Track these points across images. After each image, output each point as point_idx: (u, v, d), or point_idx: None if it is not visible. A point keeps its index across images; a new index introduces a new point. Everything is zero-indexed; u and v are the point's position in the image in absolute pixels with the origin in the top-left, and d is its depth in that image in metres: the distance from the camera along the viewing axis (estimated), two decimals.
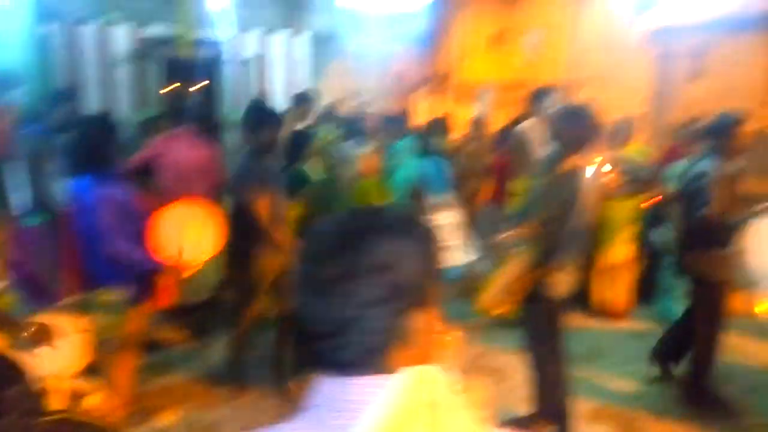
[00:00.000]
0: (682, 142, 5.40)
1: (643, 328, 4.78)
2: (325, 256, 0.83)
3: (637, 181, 4.87)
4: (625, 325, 4.95)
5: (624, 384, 3.99)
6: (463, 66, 11.52)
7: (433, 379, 0.78)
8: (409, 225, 0.87)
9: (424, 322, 0.84)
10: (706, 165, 3.43)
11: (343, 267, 0.81)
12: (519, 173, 4.59)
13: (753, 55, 11.05)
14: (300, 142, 4.52)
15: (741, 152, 3.42)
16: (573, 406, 3.23)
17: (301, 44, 7.95)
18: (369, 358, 0.81)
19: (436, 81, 11.43)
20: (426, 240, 0.87)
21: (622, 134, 5.08)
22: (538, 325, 3.17)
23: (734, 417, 3.49)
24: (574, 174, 2.95)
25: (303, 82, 7.65)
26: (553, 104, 4.33)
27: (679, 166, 4.76)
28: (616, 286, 4.98)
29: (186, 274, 3.10)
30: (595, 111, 3.06)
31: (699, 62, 11.22)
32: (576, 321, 4.96)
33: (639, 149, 5.22)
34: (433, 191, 4.46)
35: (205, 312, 4.36)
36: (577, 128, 2.97)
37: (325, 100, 6.82)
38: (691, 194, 3.51)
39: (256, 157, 3.57)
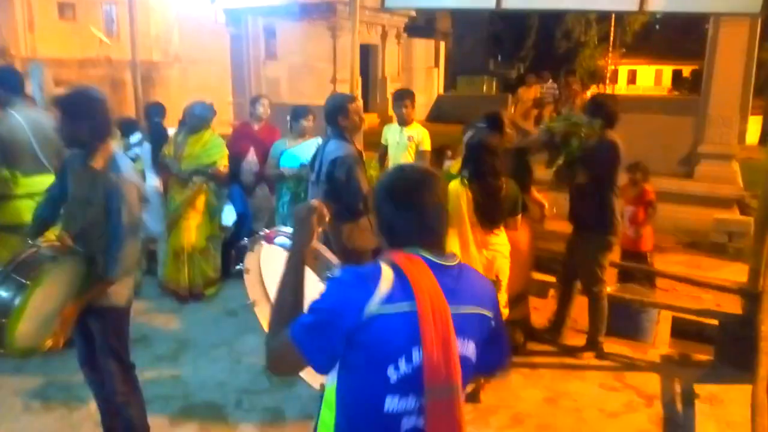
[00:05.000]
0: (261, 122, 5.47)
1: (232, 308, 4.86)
2: None
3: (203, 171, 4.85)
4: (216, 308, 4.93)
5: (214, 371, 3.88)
6: (27, 39, 10.03)
7: None
8: None
9: None
10: (338, 148, 3.50)
11: None
12: None
13: (318, 38, 12.55)
14: None
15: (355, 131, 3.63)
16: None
17: None
18: None
19: None
20: None
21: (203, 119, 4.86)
22: (108, 339, 2.90)
23: None
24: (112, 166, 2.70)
25: None
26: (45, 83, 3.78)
27: (280, 144, 4.82)
28: (192, 270, 4.92)
29: None
30: (104, 96, 2.76)
31: (272, 44, 12.16)
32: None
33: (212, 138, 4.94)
34: None
35: None
36: (95, 116, 2.57)
37: None
38: (332, 179, 3.53)
39: None
